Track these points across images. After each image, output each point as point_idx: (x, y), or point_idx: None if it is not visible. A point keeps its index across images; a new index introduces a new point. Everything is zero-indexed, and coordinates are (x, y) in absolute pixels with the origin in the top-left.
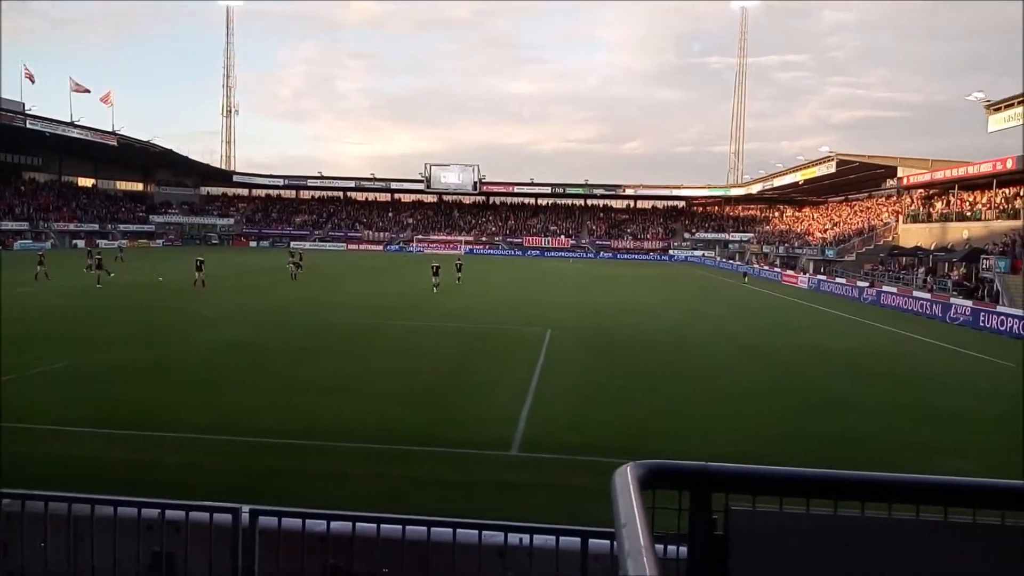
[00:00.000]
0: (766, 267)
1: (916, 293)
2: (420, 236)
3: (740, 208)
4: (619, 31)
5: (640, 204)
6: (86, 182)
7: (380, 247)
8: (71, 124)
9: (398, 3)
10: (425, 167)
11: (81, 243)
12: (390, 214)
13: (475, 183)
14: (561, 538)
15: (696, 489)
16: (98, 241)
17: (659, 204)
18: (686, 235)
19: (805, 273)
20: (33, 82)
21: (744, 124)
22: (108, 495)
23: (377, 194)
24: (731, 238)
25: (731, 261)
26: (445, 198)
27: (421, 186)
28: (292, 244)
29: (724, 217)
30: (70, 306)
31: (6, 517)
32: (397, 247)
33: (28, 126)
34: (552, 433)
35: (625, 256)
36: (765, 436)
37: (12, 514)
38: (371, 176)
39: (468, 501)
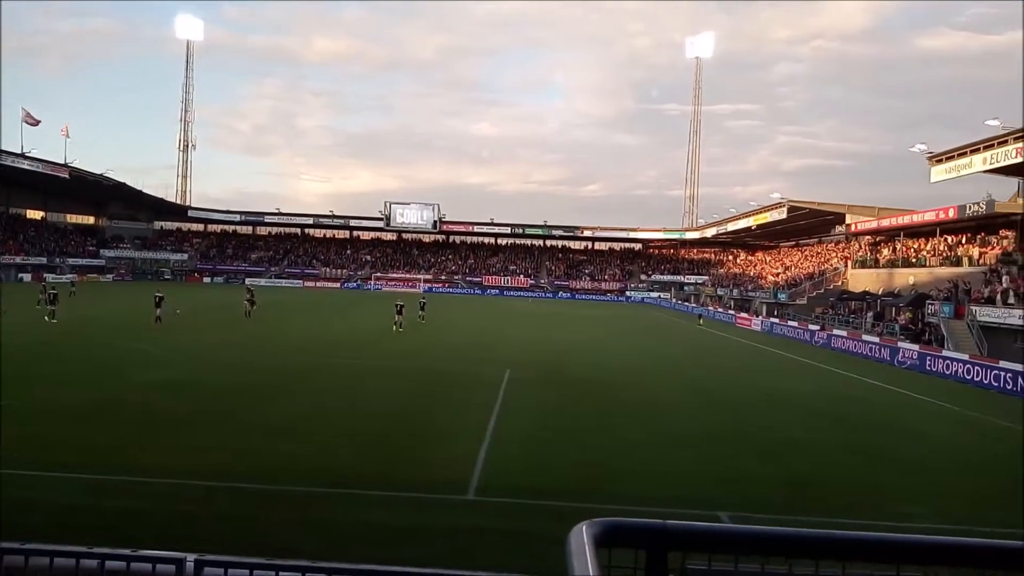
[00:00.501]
0: (720, 309)
1: (865, 336)
2: (379, 274)
3: (695, 251)
4: (578, 77)
5: (598, 246)
6: (35, 214)
7: (338, 284)
8: (21, 155)
9: (363, 42)
10: (385, 205)
11: (28, 276)
12: (348, 251)
13: (435, 222)
14: None
15: (653, 548)
16: (46, 275)
17: (616, 246)
18: (643, 277)
19: (758, 316)
20: None
21: (699, 169)
22: (43, 544)
23: (336, 231)
24: (686, 280)
25: (686, 303)
26: (404, 236)
27: (381, 224)
28: (247, 281)
29: (680, 259)
30: (17, 342)
31: None
32: (355, 284)
33: None
34: (509, 476)
35: (583, 296)
36: (718, 479)
37: None
38: (330, 213)
39: (421, 547)
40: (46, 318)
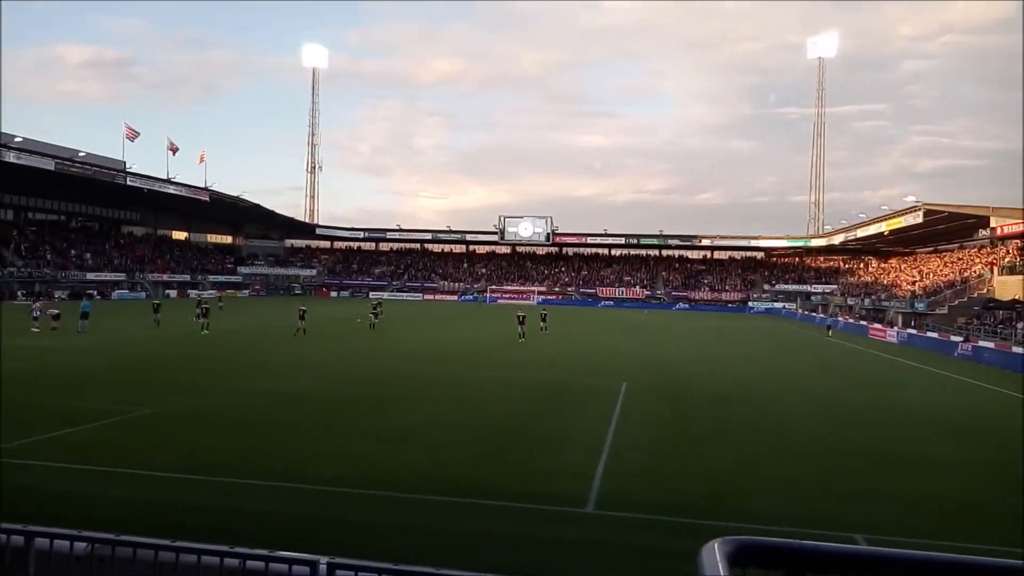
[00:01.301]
0: (851, 320)
1: (1016, 348)
2: (494, 286)
3: (822, 259)
4: (689, 85)
5: (717, 255)
6: (179, 235)
7: (455, 297)
8: (167, 181)
9: (469, 60)
10: (499, 219)
11: (174, 293)
12: (465, 265)
13: (548, 234)
14: None
15: (791, 570)
16: (190, 291)
17: (736, 255)
18: (765, 286)
19: (893, 326)
20: (133, 140)
21: (824, 173)
22: (191, 543)
23: (453, 245)
24: (813, 290)
25: (813, 313)
26: (518, 249)
27: (495, 237)
28: (371, 294)
29: (805, 268)
30: (170, 352)
31: (98, 560)
32: (472, 297)
33: (128, 183)
34: (628, 490)
35: (702, 308)
36: (846, 498)
37: (103, 557)
38: (447, 228)
39: (540, 559)
40: (202, 331)
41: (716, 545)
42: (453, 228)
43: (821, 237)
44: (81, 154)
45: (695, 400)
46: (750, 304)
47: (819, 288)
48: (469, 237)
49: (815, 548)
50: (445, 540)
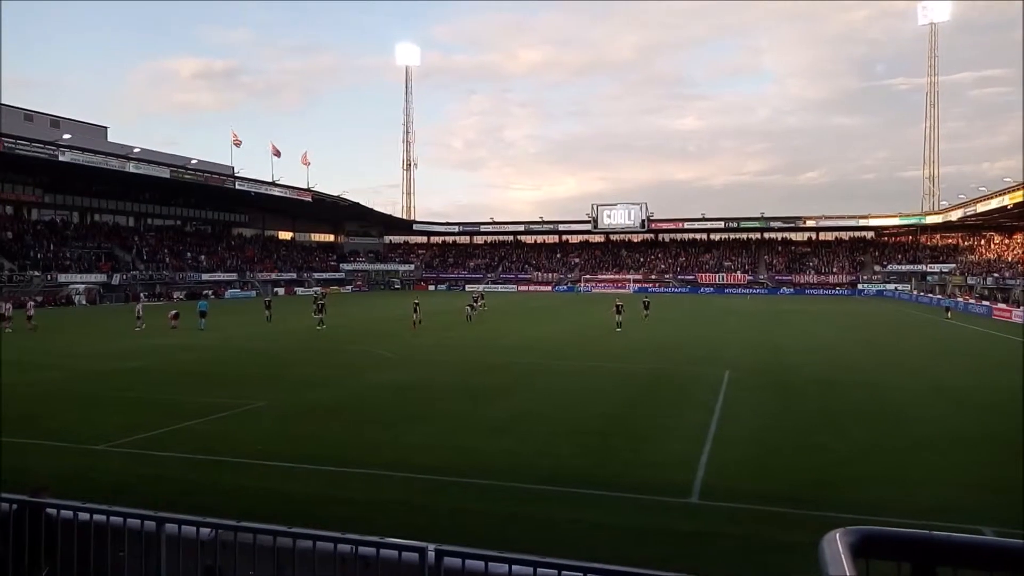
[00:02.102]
0: (972, 300)
1: None
2: (588, 276)
3: (938, 237)
4: (788, 60)
5: (823, 236)
6: (285, 235)
7: (549, 287)
8: (272, 184)
9: (560, 49)
10: (592, 208)
11: (281, 291)
12: (558, 255)
13: (643, 221)
14: None
15: (919, 562)
16: (295, 289)
17: (844, 235)
18: (876, 268)
19: (1020, 306)
20: (239, 146)
21: (938, 147)
22: (305, 528)
23: (545, 236)
24: (929, 270)
25: (930, 295)
26: (612, 237)
27: (588, 226)
28: (467, 287)
29: (919, 247)
30: (279, 348)
31: (220, 545)
32: (566, 287)
33: (237, 187)
34: (734, 480)
35: (808, 292)
36: (967, 486)
37: (226, 543)
38: (539, 219)
39: (645, 549)
40: (318, 327)
41: (838, 535)
42: (546, 219)
43: (937, 214)
44: (193, 161)
45: (803, 387)
46: (860, 286)
47: (935, 268)
48: (562, 227)
49: (947, 540)
50: (550, 529)
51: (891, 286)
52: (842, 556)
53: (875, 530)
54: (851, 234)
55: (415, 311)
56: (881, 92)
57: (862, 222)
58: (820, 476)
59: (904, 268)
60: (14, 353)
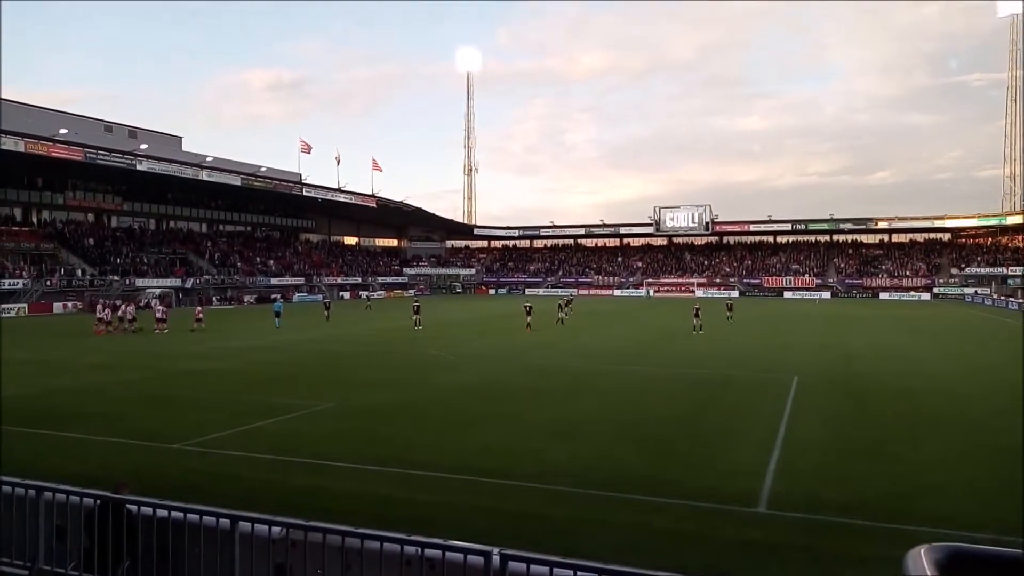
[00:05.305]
0: None
1: None
2: (650, 279)
3: (1019, 238)
4: (857, 57)
5: (896, 238)
6: (350, 240)
7: (610, 291)
8: (338, 190)
9: (619, 51)
10: (654, 210)
11: (347, 295)
12: (619, 259)
13: (707, 223)
14: None
15: None
16: (360, 293)
17: (918, 237)
18: (953, 271)
19: None
20: (308, 153)
21: (1019, 144)
22: (372, 530)
23: (606, 239)
24: (1011, 273)
25: (1011, 299)
26: (675, 240)
27: (650, 229)
28: (527, 291)
29: (1000, 249)
30: (348, 352)
31: (290, 544)
32: (630, 290)
33: (304, 194)
34: (804, 489)
35: (881, 296)
36: None
37: (296, 542)
38: (600, 222)
39: (709, 558)
40: (416, 328)
41: (923, 551)
42: (607, 222)
43: (1018, 214)
44: (262, 169)
45: (876, 394)
46: (936, 290)
47: (1018, 271)
48: (623, 230)
49: None
50: (613, 535)
51: (970, 289)
52: (928, 574)
53: (963, 547)
54: (926, 236)
55: (528, 313)
56: (955, 88)
57: (938, 223)
58: (894, 487)
59: (983, 271)
60: (111, 357)
